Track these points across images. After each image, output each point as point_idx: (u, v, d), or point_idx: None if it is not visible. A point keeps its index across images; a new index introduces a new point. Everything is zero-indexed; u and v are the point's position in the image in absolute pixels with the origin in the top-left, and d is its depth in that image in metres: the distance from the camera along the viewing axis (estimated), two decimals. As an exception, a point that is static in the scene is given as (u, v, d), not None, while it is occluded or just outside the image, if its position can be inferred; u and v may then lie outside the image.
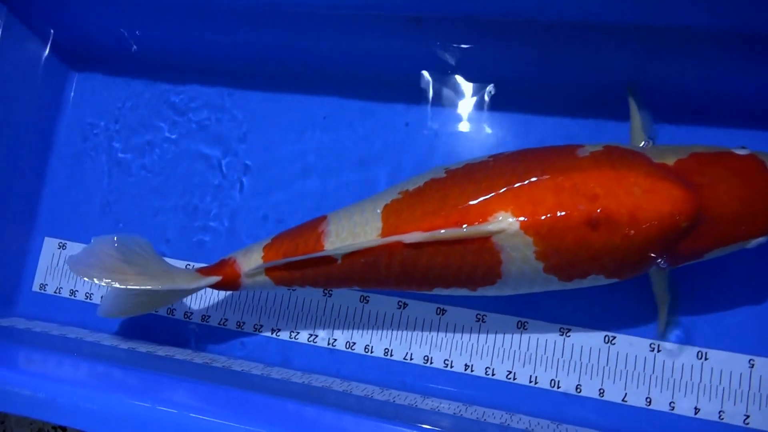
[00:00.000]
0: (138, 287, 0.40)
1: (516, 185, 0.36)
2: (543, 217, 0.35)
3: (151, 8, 0.48)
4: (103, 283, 0.40)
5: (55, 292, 0.51)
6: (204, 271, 0.42)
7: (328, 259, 0.39)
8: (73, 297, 0.51)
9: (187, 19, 0.48)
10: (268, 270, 0.41)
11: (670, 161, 0.36)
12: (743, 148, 0.37)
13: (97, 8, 0.49)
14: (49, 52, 0.52)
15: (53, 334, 0.46)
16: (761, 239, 0.36)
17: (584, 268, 0.36)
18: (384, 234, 0.37)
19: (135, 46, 0.52)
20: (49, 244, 0.52)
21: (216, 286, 0.42)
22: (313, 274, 0.40)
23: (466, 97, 0.47)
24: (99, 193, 0.52)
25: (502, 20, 0.41)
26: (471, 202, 0.36)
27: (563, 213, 0.35)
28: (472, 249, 0.36)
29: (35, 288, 0.52)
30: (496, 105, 0.47)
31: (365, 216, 0.39)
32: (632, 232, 0.34)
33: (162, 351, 0.46)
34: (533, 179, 0.36)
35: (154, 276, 0.41)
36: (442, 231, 0.36)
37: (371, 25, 0.43)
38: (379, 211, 0.38)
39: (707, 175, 0.35)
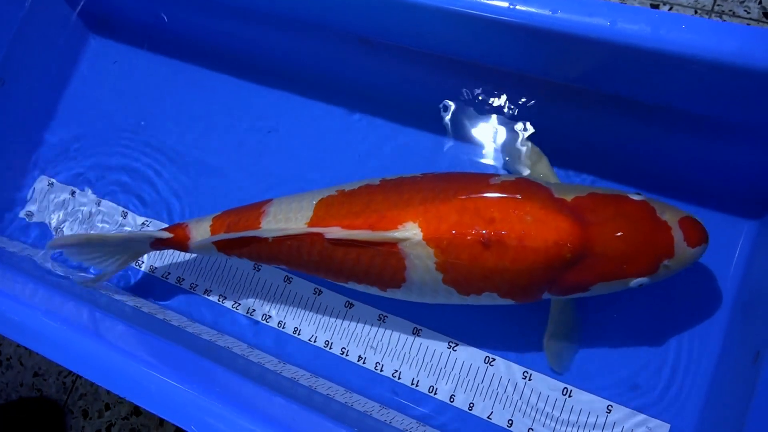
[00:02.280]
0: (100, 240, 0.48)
1: (429, 201, 0.40)
2: (444, 232, 0.39)
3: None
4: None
5: (37, 221, 0.58)
6: (159, 231, 0.48)
7: (261, 238, 0.44)
8: (50, 227, 0.58)
9: (209, 10, 0.55)
10: (211, 236, 0.46)
11: (569, 197, 0.39)
12: (638, 194, 0.39)
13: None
14: (77, 14, 0.60)
15: (22, 255, 0.54)
16: (642, 280, 0.38)
17: (478, 285, 0.40)
18: (311, 223, 0.42)
19: (158, 22, 0.59)
20: (42, 182, 0.60)
21: (167, 243, 0.47)
22: (248, 249, 0.45)
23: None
24: (93, 146, 0.59)
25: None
26: (389, 210, 0.40)
27: (462, 231, 0.38)
28: (381, 251, 0.40)
29: (22, 214, 0.59)
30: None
31: (302, 204, 0.44)
32: (520, 255, 0.38)
33: (114, 294, 0.52)
34: (445, 198, 0.40)
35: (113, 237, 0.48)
36: (356, 231, 0.40)
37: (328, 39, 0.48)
38: (314, 202, 0.43)
39: (599, 214, 0.38)
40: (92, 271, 0.55)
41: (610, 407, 0.43)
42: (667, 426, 0.42)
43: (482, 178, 0.41)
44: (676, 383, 0.43)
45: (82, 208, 0.57)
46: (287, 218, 0.43)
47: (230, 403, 0.37)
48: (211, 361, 0.42)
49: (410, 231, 0.39)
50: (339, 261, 0.42)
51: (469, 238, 0.38)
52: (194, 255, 0.53)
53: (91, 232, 0.48)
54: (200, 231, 0.46)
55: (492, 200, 0.39)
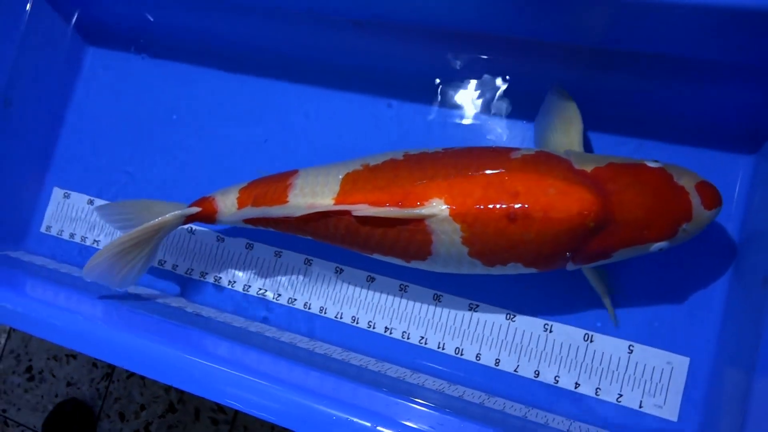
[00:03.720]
0: (123, 240, 0.47)
1: (453, 177, 0.41)
2: (470, 207, 0.40)
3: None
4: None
5: (57, 234, 0.60)
6: (188, 209, 0.49)
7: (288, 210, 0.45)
8: (71, 239, 0.60)
9: (200, 7, 0.56)
10: (239, 210, 0.47)
11: (589, 168, 0.40)
12: (655, 161, 0.41)
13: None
14: (72, 28, 0.61)
15: (49, 267, 0.55)
16: (662, 244, 0.40)
17: (504, 256, 0.41)
18: (338, 198, 0.43)
19: (150, 25, 0.60)
20: (57, 193, 0.61)
21: (196, 218, 0.49)
22: (274, 223, 0.47)
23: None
24: (103, 153, 0.61)
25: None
26: (414, 186, 0.42)
27: (487, 205, 0.40)
28: (408, 227, 0.42)
29: (42, 229, 0.61)
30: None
31: (328, 179, 0.45)
32: (545, 226, 0.39)
33: (140, 291, 0.54)
34: (469, 174, 0.41)
35: (139, 221, 0.48)
36: (384, 209, 0.42)
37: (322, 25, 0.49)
38: (340, 177, 0.44)
39: (619, 182, 0.40)
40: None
41: (631, 347, 0.45)
42: (687, 359, 0.44)
43: (503, 153, 0.42)
44: (691, 317, 0.45)
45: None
46: (314, 192, 0.45)
47: (268, 378, 0.39)
48: (247, 345, 0.44)
49: (437, 207, 0.41)
50: (365, 235, 0.43)
51: (494, 212, 0.40)
52: (216, 246, 0.55)
53: (117, 236, 0.48)
54: (227, 204, 0.48)
55: (515, 174, 0.40)
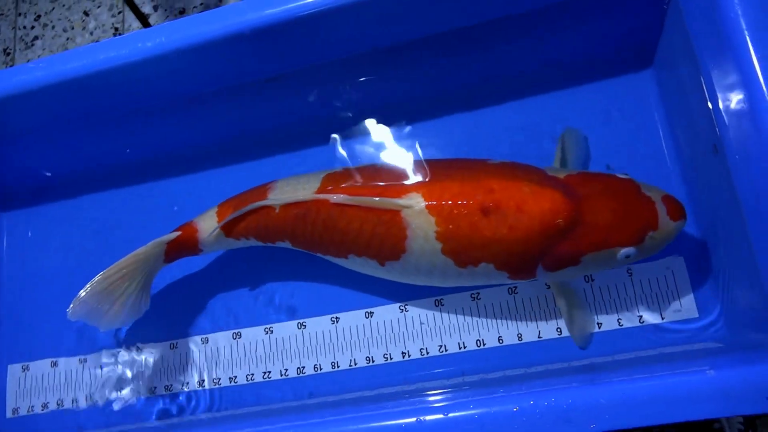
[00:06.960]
0: (106, 273, 0.47)
1: (432, 175, 0.43)
2: (446, 201, 0.41)
3: (59, 147, 0.56)
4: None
5: (27, 412, 0.55)
6: (168, 235, 0.49)
7: (268, 210, 0.46)
8: (45, 410, 0.55)
9: (99, 146, 0.56)
10: (220, 222, 0.48)
11: (561, 175, 0.43)
12: (625, 174, 0.43)
13: (11, 157, 0.56)
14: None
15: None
16: (629, 250, 0.41)
17: (476, 255, 0.42)
18: (318, 192, 0.45)
19: (52, 178, 0.59)
20: (14, 370, 0.56)
21: (178, 244, 0.49)
22: (255, 225, 0.47)
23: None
24: (47, 314, 0.57)
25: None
26: (394, 182, 0.43)
27: (463, 200, 0.41)
28: (384, 220, 0.43)
29: (9, 414, 0.55)
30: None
31: (309, 178, 0.46)
32: (517, 223, 0.40)
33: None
34: (447, 173, 0.43)
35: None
36: (361, 198, 0.43)
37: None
38: (321, 176, 0.46)
39: (589, 188, 0.41)
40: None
41: (629, 270, 0.47)
42: (681, 257, 0.47)
43: (481, 160, 0.45)
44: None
45: (68, 373, 0.55)
46: (295, 189, 0.46)
47: None
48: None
49: (413, 199, 0.42)
50: (342, 230, 0.44)
51: (469, 206, 0.41)
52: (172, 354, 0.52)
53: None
54: (207, 221, 0.49)
55: (491, 174, 0.42)
